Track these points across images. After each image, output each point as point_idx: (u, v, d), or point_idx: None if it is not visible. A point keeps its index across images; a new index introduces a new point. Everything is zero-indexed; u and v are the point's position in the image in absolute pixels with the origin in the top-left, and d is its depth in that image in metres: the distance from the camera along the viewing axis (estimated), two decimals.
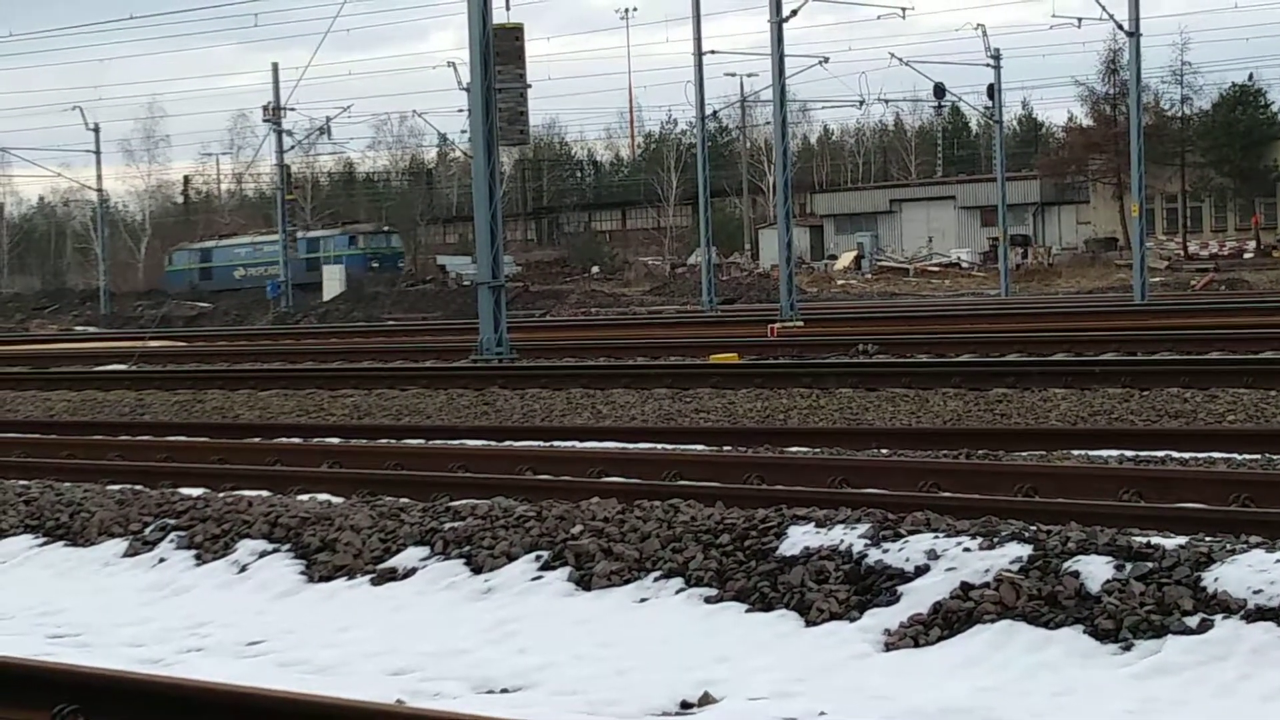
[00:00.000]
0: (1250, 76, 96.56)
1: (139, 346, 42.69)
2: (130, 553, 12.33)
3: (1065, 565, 8.81)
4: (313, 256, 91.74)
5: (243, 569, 11.56)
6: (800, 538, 9.92)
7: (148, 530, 12.58)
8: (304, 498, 13.59)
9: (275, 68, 76.42)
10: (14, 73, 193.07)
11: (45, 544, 12.93)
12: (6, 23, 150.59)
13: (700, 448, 17.08)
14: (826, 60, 61.81)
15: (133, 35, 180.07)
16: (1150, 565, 8.64)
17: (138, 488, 14.63)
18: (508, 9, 35.76)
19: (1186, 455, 14.70)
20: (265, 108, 77.25)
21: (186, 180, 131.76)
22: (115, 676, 7.88)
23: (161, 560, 12.06)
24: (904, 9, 60.46)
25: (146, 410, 26.11)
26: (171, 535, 12.35)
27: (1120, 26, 53.55)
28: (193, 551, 12.03)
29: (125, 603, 11.13)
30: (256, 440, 20.06)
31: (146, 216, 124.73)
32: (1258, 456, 14.37)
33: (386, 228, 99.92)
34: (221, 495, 13.69)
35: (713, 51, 62.35)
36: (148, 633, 10.18)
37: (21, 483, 15.20)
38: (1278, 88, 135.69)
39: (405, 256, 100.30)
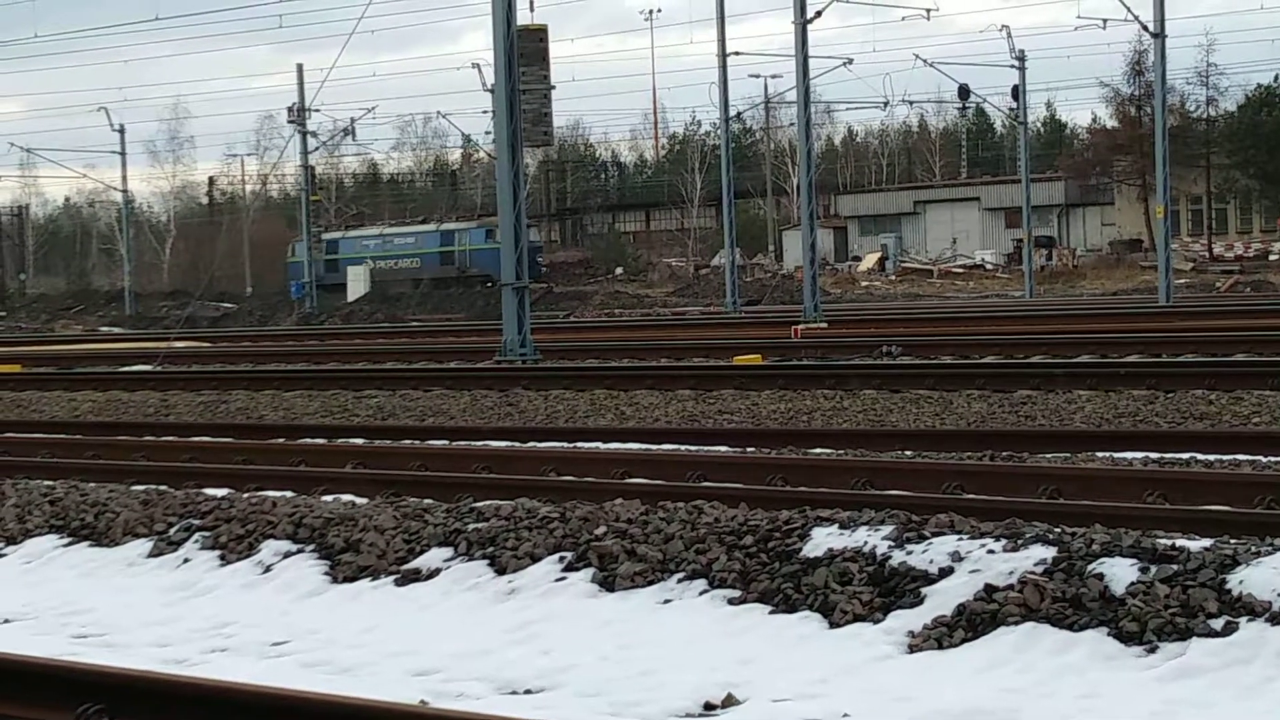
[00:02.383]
0: (1276, 78, 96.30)
1: (164, 347, 42.77)
2: (155, 553, 12.36)
3: (1090, 567, 8.80)
4: (446, 250, 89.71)
5: (267, 569, 11.58)
6: (824, 539, 9.92)
7: (172, 531, 12.61)
8: (328, 498, 13.60)
9: (300, 69, 76.56)
10: (41, 74, 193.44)
11: (70, 544, 12.96)
12: (33, 24, 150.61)
13: (724, 449, 17.08)
14: (851, 61, 61.83)
15: (159, 36, 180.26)
16: (1175, 568, 8.63)
17: (162, 488, 14.65)
18: (532, 10, 35.85)
19: (1211, 457, 14.66)
20: (290, 109, 77.37)
21: (211, 181, 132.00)
22: (140, 677, 7.89)
23: (186, 561, 12.08)
24: (929, 10, 60.43)
25: (171, 411, 26.15)
26: (196, 536, 12.38)
27: (1145, 28, 53.47)
28: (217, 552, 12.06)
29: (150, 603, 11.16)
30: (281, 441, 20.09)
31: (171, 217, 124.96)
32: None
33: (526, 222, 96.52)
34: (246, 496, 13.71)
35: (737, 53, 62.49)
36: (172, 633, 10.21)
37: (47, 483, 15.24)
38: None
39: (542, 251, 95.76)
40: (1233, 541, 9.28)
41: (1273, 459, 14.36)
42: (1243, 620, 8.09)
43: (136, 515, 13.05)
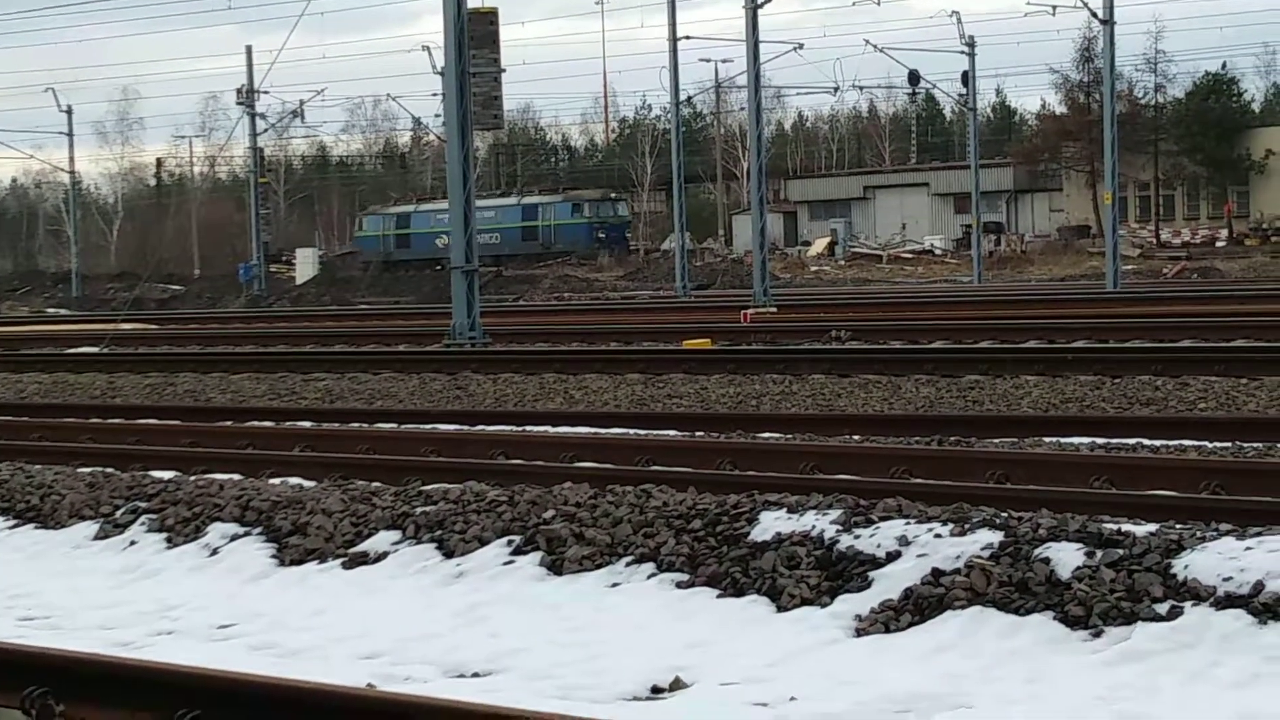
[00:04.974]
0: (1223, 65, 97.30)
1: (111, 329, 42.57)
2: (101, 535, 12.31)
3: (1036, 552, 8.84)
4: (529, 225, 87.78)
5: (214, 552, 11.54)
6: (772, 523, 9.93)
7: (119, 513, 12.56)
8: (276, 481, 13.57)
9: (249, 51, 76.18)
10: None
11: (15, 526, 12.90)
12: None
13: (673, 433, 17.09)
14: (801, 46, 61.90)
15: (108, 17, 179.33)
16: (1121, 552, 8.67)
17: (109, 470, 14.58)
18: None
19: (1158, 443, 14.73)
20: (239, 91, 77.03)
21: (159, 163, 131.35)
22: (86, 659, 7.86)
23: (132, 543, 12.04)
24: None
25: (118, 393, 26.05)
26: (142, 518, 12.33)
27: (1095, 14, 53.65)
28: (164, 534, 12.01)
29: (96, 586, 11.11)
30: (228, 424, 20.02)
31: (119, 199, 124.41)
32: (1228, 444, 14.42)
33: (614, 194, 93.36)
34: (193, 478, 13.66)
35: (688, 37, 62.33)
36: (118, 615, 10.17)
37: None
38: (1251, 76, 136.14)
39: (630, 226, 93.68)
40: (1178, 526, 9.32)
41: (1218, 444, 14.44)
42: (1188, 605, 8.12)
43: (83, 497, 12.99)
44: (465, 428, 18.39)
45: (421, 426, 18.78)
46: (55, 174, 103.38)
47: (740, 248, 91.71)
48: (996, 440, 15.51)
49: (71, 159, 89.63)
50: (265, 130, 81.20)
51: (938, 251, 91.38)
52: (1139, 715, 7.21)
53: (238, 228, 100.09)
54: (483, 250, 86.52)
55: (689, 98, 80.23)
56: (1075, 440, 15.23)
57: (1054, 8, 60.77)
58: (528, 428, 18.11)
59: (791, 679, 7.97)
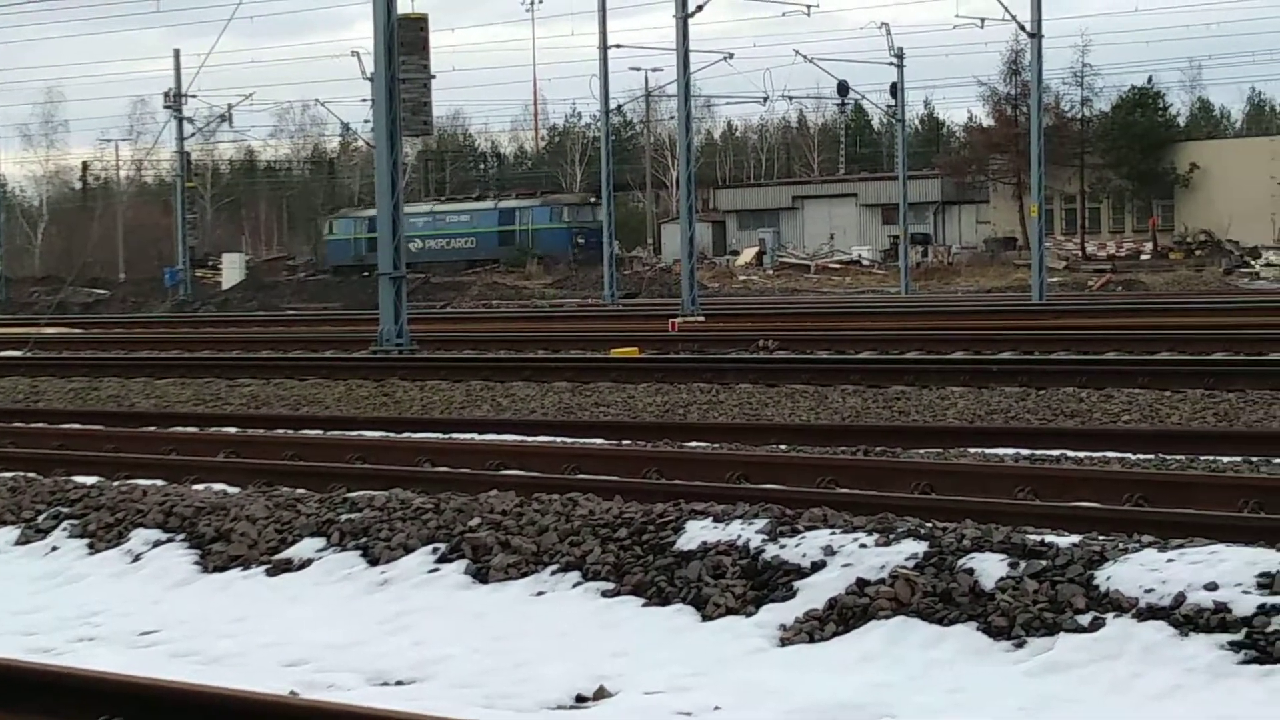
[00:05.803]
0: (1149, 79, 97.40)
1: (34, 333, 42.25)
2: (22, 541, 12.21)
3: (960, 562, 8.87)
4: (506, 229, 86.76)
5: (136, 558, 11.47)
6: (698, 533, 9.93)
7: (40, 518, 12.47)
8: (199, 487, 13.49)
9: (177, 54, 75.80)
10: None
11: None
12: None
13: (600, 441, 17.08)
14: (731, 56, 61.99)
15: (33, 19, 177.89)
16: (1044, 563, 8.71)
17: (31, 475, 14.45)
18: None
19: (1082, 454, 14.80)
20: (167, 94, 76.59)
21: (85, 166, 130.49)
22: (6, 665, 7.80)
23: (54, 549, 11.95)
24: (809, 6, 60.53)
25: (41, 397, 25.85)
26: (65, 524, 12.24)
27: (1023, 28, 53.88)
28: (86, 540, 11.93)
29: (16, 591, 11.02)
30: (152, 429, 19.90)
31: (44, 202, 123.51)
32: (1151, 456, 14.50)
33: (593, 199, 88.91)
34: (116, 484, 13.57)
35: (618, 45, 62.27)
36: (39, 621, 10.08)
37: None
38: (1176, 91, 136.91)
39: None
40: (1101, 538, 9.38)
41: (1141, 456, 14.53)
42: (1110, 616, 8.17)
43: (4, 502, 12.89)
44: (391, 435, 18.33)
45: (347, 433, 18.71)
46: None
47: (669, 256, 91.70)
48: (922, 451, 15.57)
49: None
50: (193, 134, 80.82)
51: (865, 262, 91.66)
52: None
53: (164, 232, 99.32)
54: (459, 255, 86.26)
55: (619, 106, 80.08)
56: (1000, 451, 15.31)
57: (983, 21, 61.14)
58: (454, 435, 18.07)
59: (716, 688, 7.98)
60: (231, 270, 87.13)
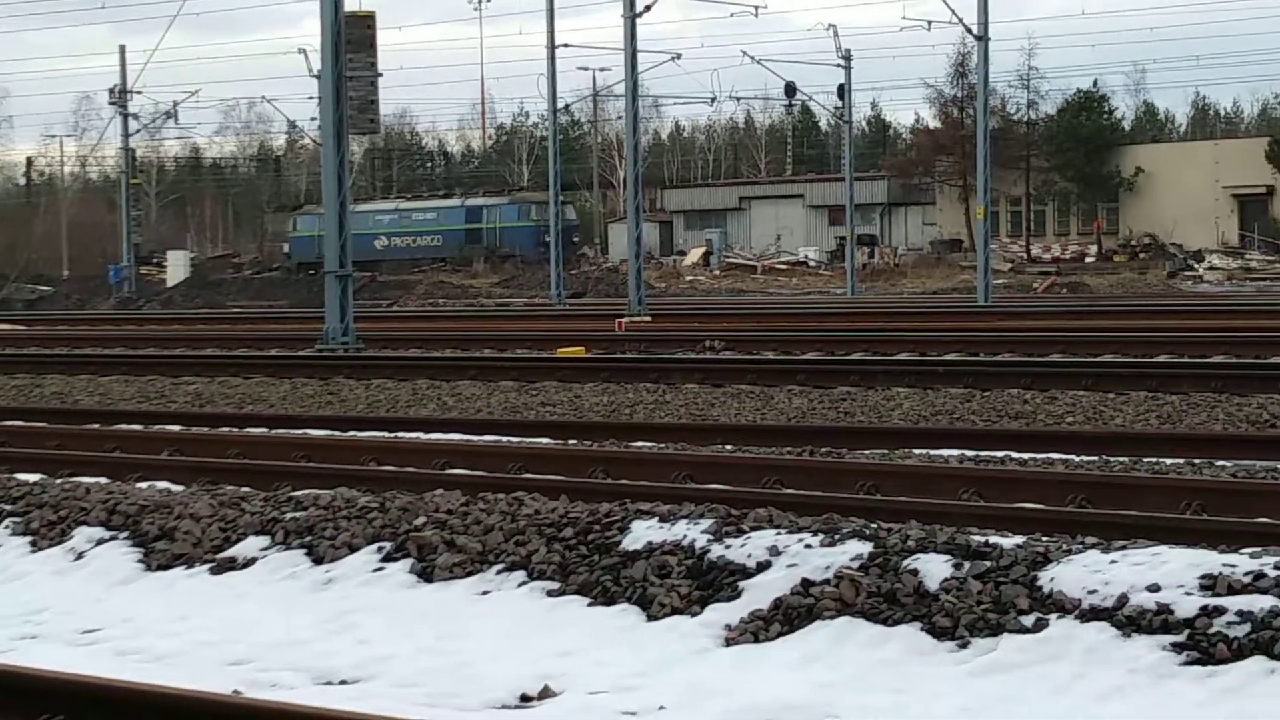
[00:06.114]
0: (1095, 83, 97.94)
1: None
2: None
3: (905, 563, 8.90)
4: (474, 227, 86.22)
5: (79, 556, 11.41)
6: (643, 532, 9.94)
7: None
8: (143, 485, 13.44)
9: (122, 50, 75.46)
10: None
11: None
12: None
13: (545, 441, 17.07)
14: (679, 56, 61.91)
15: None
16: (988, 564, 8.74)
17: None
18: None
19: (1026, 456, 14.86)
20: (112, 90, 76.21)
21: (29, 162, 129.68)
22: None
23: None
24: (757, 7, 60.53)
25: None
26: (7, 521, 12.17)
27: (969, 30, 54.08)
28: (28, 538, 11.87)
29: None
30: (96, 426, 19.81)
31: None
32: (1095, 458, 14.56)
33: (562, 199, 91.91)
34: (59, 482, 13.51)
35: (566, 45, 62.24)
36: None
37: None
38: (1121, 94, 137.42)
39: (580, 230, 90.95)
40: (1045, 539, 9.42)
41: (1085, 458, 14.59)
42: (1053, 617, 8.20)
43: None
44: (337, 433, 18.30)
45: (292, 431, 18.67)
46: None
47: (615, 256, 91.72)
48: (867, 451, 15.60)
49: None
50: (138, 131, 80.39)
51: (812, 263, 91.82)
52: None
53: (108, 229, 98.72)
54: (425, 252, 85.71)
55: (566, 106, 79.97)
56: (945, 452, 15.35)
57: (929, 23, 61.20)
58: (400, 434, 18.04)
59: (660, 688, 7.98)
60: (177, 268, 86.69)
